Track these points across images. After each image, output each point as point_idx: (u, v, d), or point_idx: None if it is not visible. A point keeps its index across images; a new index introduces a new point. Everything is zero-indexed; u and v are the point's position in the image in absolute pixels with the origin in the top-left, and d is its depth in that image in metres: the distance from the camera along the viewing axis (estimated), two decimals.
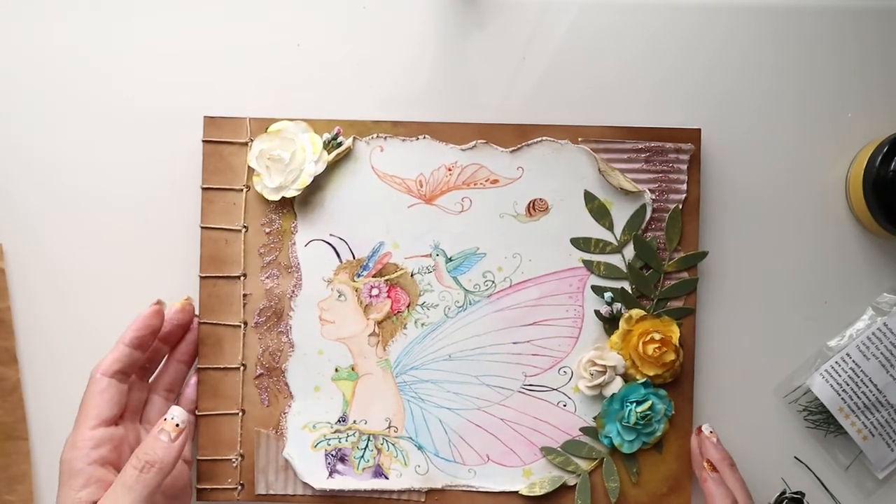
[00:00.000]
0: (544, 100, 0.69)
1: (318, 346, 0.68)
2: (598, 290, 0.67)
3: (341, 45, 0.70)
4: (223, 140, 0.67)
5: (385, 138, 0.67)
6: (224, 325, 0.68)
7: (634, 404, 0.66)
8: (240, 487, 0.68)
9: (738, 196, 0.69)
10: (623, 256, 0.68)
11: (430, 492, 0.68)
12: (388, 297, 0.68)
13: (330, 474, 0.68)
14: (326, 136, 0.67)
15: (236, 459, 0.68)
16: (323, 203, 0.67)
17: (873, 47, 0.69)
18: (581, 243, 0.68)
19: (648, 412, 0.66)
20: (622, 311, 0.67)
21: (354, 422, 0.68)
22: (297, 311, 0.68)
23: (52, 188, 0.70)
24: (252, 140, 0.67)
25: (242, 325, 0.68)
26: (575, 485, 0.68)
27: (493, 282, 0.68)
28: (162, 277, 0.69)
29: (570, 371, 0.68)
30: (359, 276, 0.68)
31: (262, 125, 0.67)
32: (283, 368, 0.68)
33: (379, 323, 0.68)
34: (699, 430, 0.67)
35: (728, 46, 0.69)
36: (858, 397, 0.67)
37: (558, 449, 0.68)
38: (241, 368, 0.68)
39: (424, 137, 0.67)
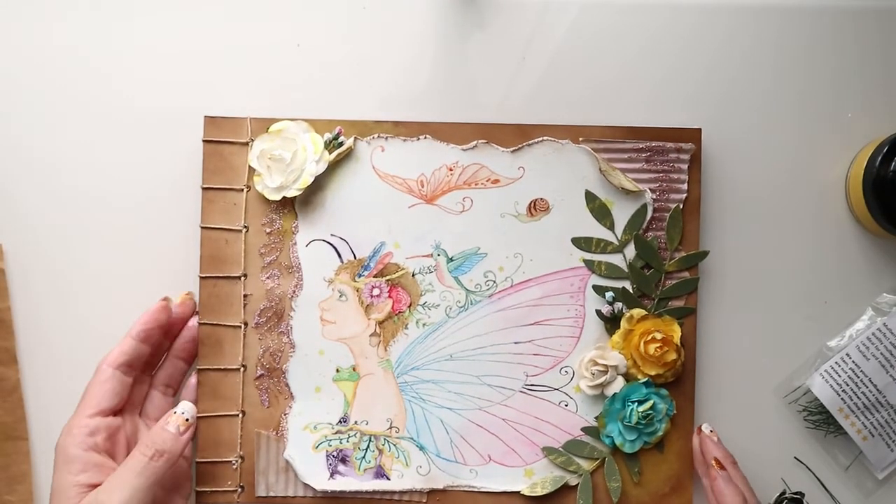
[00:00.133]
0: (544, 100, 0.69)
1: (319, 346, 0.67)
2: (599, 290, 0.67)
3: (341, 45, 0.70)
4: (224, 140, 0.67)
5: (386, 138, 0.67)
6: (224, 325, 0.67)
7: (636, 404, 0.66)
8: (240, 490, 0.67)
9: (737, 196, 0.69)
10: (624, 256, 0.68)
11: (432, 492, 0.68)
12: (390, 297, 0.68)
13: (331, 475, 0.67)
14: (327, 135, 0.66)
15: (236, 461, 0.67)
16: (324, 203, 0.67)
17: (873, 47, 0.69)
18: (582, 243, 0.68)
19: (650, 412, 0.66)
20: (623, 311, 0.67)
21: (356, 422, 0.68)
22: (298, 312, 0.67)
23: (52, 188, 0.69)
24: (253, 140, 0.67)
25: (243, 326, 0.67)
26: (577, 485, 0.68)
27: (495, 282, 0.68)
28: (162, 277, 0.68)
29: (572, 371, 0.68)
30: (360, 276, 0.68)
31: (262, 125, 0.67)
32: (283, 369, 0.67)
33: (380, 323, 0.68)
34: (699, 429, 0.67)
35: (728, 46, 0.70)
36: (858, 397, 0.67)
37: (560, 449, 0.68)
38: (242, 369, 0.67)
39: (425, 137, 0.67)
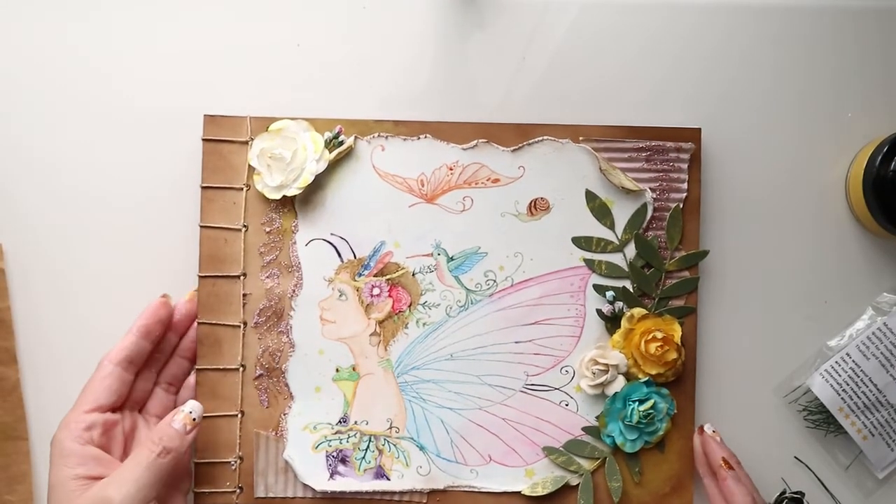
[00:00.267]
0: (544, 100, 0.69)
1: (318, 346, 0.67)
2: (599, 289, 0.67)
3: (341, 45, 0.70)
4: (223, 139, 0.67)
5: (386, 137, 0.67)
6: (223, 325, 0.67)
7: (637, 403, 0.66)
8: (238, 491, 0.67)
9: (737, 196, 0.69)
10: (624, 255, 0.68)
11: (433, 493, 0.67)
12: (390, 296, 0.67)
13: (331, 476, 0.67)
14: (328, 134, 0.66)
15: (235, 462, 0.67)
16: (324, 202, 0.67)
17: (873, 47, 0.69)
18: (582, 242, 0.68)
19: (651, 411, 0.66)
20: (624, 310, 0.67)
21: (355, 422, 0.67)
22: (298, 311, 0.67)
23: (52, 188, 0.69)
24: (252, 139, 0.66)
25: (242, 326, 0.67)
26: (577, 485, 0.68)
27: (495, 281, 0.68)
28: (162, 277, 0.68)
29: (572, 370, 0.68)
30: (360, 275, 0.67)
31: (262, 124, 0.67)
32: (283, 369, 0.67)
33: (380, 322, 0.67)
34: (701, 429, 0.67)
35: (728, 46, 0.70)
36: (858, 397, 0.67)
37: (560, 449, 0.68)
38: (241, 369, 0.67)
39: (425, 137, 0.67)
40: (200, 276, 0.67)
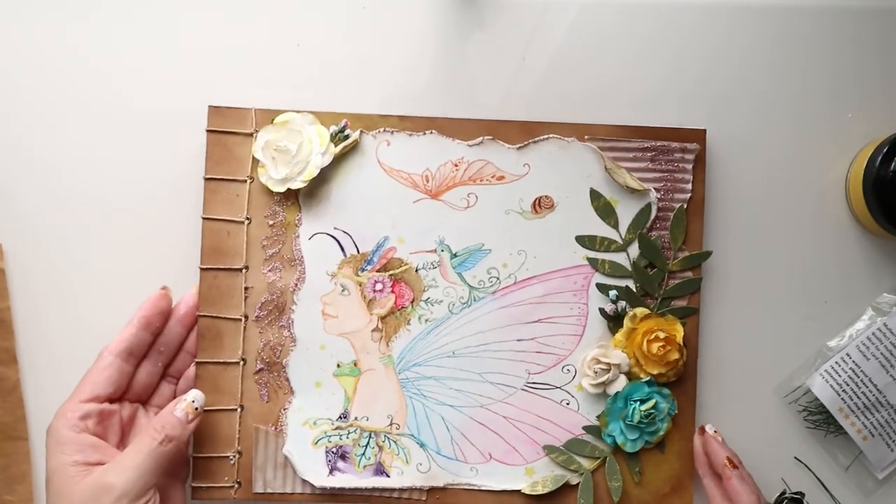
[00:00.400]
0: (544, 100, 0.69)
1: (320, 340, 0.67)
2: (602, 288, 0.67)
3: (341, 45, 0.69)
4: (228, 130, 0.66)
5: (392, 132, 0.67)
6: (224, 318, 0.66)
7: (638, 403, 0.66)
8: (237, 485, 0.66)
9: (737, 196, 0.70)
10: (628, 255, 0.68)
11: (432, 490, 0.67)
12: (392, 292, 0.67)
13: (330, 472, 0.67)
14: (333, 128, 0.66)
15: (234, 456, 0.66)
16: (328, 196, 0.67)
17: (873, 48, 0.70)
18: (586, 241, 0.68)
19: (652, 410, 0.66)
20: (627, 310, 0.67)
21: (356, 418, 0.67)
22: (300, 305, 0.67)
23: (52, 188, 0.69)
24: (257, 131, 0.66)
25: (243, 319, 0.66)
26: (577, 484, 0.67)
27: (498, 278, 0.67)
28: (162, 278, 0.67)
29: (574, 369, 0.68)
30: (363, 270, 0.67)
31: (267, 116, 0.66)
32: (283, 363, 0.67)
33: (382, 318, 0.67)
34: (702, 429, 0.67)
35: (727, 47, 0.70)
36: (858, 397, 0.68)
37: (561, 447, 0.67)
38: (241, 363, 0.66)
39: (431, 132, 0.67)
40: (202, 269, 0.66)
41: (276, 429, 0.67)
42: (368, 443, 0.67)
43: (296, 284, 0.67)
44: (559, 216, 0.67)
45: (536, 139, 0.67)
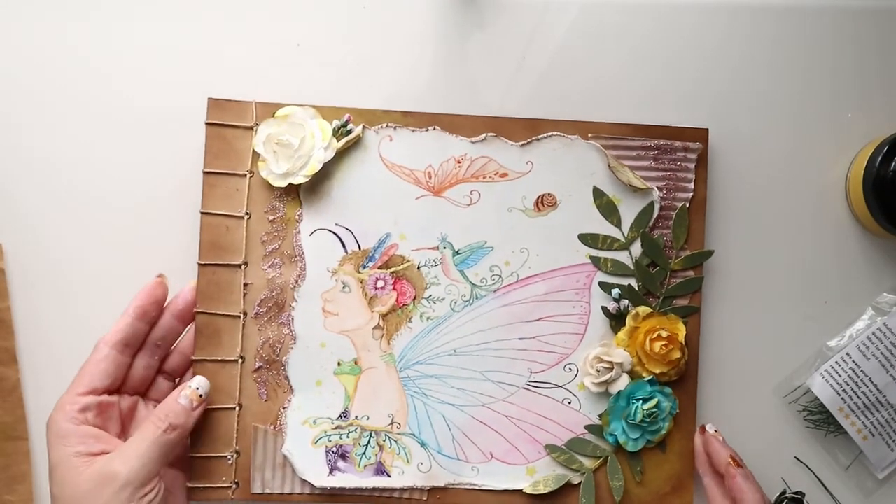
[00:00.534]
0: (544, 100, 0.69)
1: (320, 338, 0.66)
2: (605, 287, 0.67)
3: (341, 45, 0.69)
4: (227, 123, 0.65)
5: (395, 128, 0.66)
6: (223, 315, 0.65)
7: (641, 401, 0.66)
8: (234, 486, 0.65)
9: (737, 196, 0.70)
10: (630, 253, 0.67)
11: (433, 490, 0.66)
12: (394, 289, 0.66)
13: (330, 472, 0.66)
14: (336, 122, 0.65)
15: (232, 456, 0.65)
16: (329, 192, 0.66)
17: (874, 47, 0.70)
18: (589, 239, 0.67)
19: (655, 410, 0.66)
20: (629, 308, 0.67)
21: (356, 417, 0.66)
22: (300, 303, 0.66)
23: (52, 188, 0.69)
24: (258, 124, 0.65)
25: (242, 316, 0.65)
26: (579, 483, 0.67)
27: (500, 276, 0.67)
28: None
29: (576, 368, 0.67)
30: (364, 267, 0.66)
31: (268, 110, 0.65)
32: (283, 361, 0.66)
33: (384, 316, 0.66)
34: (702, 428, 0.67)
35: (727, 47, 0.70)
36: (858, 397, 0.68)
37: (563, 447, 0.67)
38: (240, 361, 0.65)
39: (434, 128, 0.66)
40: (200, 264, 0.65)
41: (275, 428, 0.65)
42: (369, 442, 0.66)
43: (296, 281, 0.66)
44: (562, 214, 0.67)
45: (540, 136, 0.67)
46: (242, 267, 0.65)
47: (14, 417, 0.67)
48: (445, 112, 0.68)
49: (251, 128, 0.65)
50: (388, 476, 0.66)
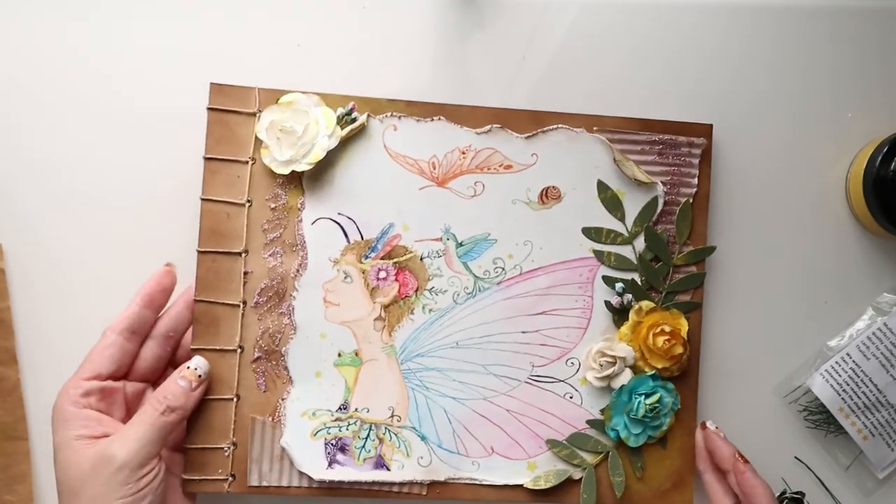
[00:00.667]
0: (544, 100, 0.69)
1: (321, 329, 0.65)
2: (608, 281, 0.67)
3: (341, 46, 0.69)
4: (230, 109, 0.64)
5: (399, 118, 0.66)
6: (222, 303, 0.64)
7: (643, 397, 0.65)
8: (231, 479, 0.64)
9: (737, 195, 0.70)
10: (634, 248, 0.67)
11: (433, 484, 0.65)
12: (396, 280, 0.66)
13: (329, 464, 0.64)
14: (340, 110, 0.64)
15: (228, 448, 0.64)
16: (332, 180, 0.65)
17: (874, 47, 0.70)
18: (592, 233, 0.67)
19: (657, 405, 0.65)
20: (632, 303, 0.67)
21: (356, 410, 0.65)
22: (301, 292, 0.65)
23: (52, 188, 0.68)
24: (261, 111, 0.64)
25: (241, 305, 0.64)
26: (580, 479, 0.66)
27: (503, 269, 0.66)
28: None
29: (578, 362, 0.67)
30: (366, 257, 0.65)
31: (271, 96, 0.64)
32: (282, 352, 0.64)
33: (385, 307, 0.65)
34: (703, 425, 0.67)
35: (727, 47, 0.70)
36: (858, 397, 0.68)
37: (564, 442, 0.66)
38: (238, 351, 0.64)
39: (439, 119, 0.66)
40: (200, 252, 0.64)
41: (273, 419, 0.64)
42: (369, 435, 0.65)
43: (297, 270, 0.65)
44: (566, 207, 0.67)
45: (545, 129, 0.66)
46: (243, 255, 0.64)
47: (14, 417, 0.67)
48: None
49: (254, 114, 0.64)
50: (388, 470, 0.65)
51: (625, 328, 0.66)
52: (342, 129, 0.64)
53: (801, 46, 0.70)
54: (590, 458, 0.66)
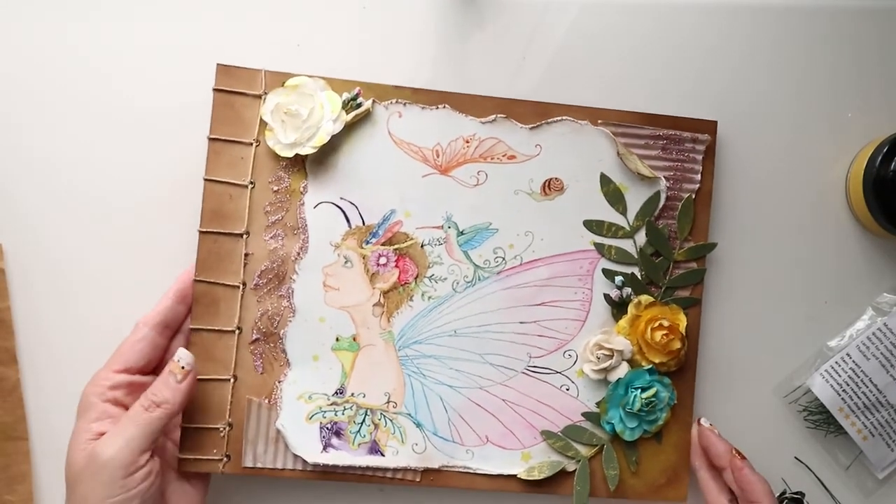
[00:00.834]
0: (544, 100, 0.68)
1: (319, 313, 0.65)
2: (608, 274, 0.67)
3: (341, 46, 0.69)
4: (236, 90, 0.65)
5: (404, 104, 0.66)
6: (221, 284, 0.64)
7: (640, 390, 0.65)
8: (225, 459, 0.64)
9: (738, 194, 0.70)
10: (634, 242, 0.67)
11: (426, 471, 0.65)
12: (396, 266, 0.66)
13: (324, 448, 0.64)
14: (346, 95, 0.65)
15: (224, 429, 0.64)
16: (336, 165, 0.65)
17: (874, 47, 0.70)
18: (594, 226, 0.67)
19: (653, 399, 0.65)
20: (631, 297, 0.66)
21: (352, 394, 0.65)
22: (301, 275, 0.65)
23: (52, 188, 0.68)
24: (266, 93, 0.65)
25: (241, 286, 0.64)
26: (574, 471, 0.66)
27: (504, 259, 0.66)
28: (162, 277, 0.65)
29: (575, 354, 0.67)
30: (367, 242, 0.66)
31: (277, 79, 0.65)
32: (281, 334, 0.64)
33: (385, 293, 0.65)
34: (698, 421, 0.66)
35: (727, 47, 0.70)
36: (858, 397, 0.67)
37: (559, 433, 0.66)
38: (237, 332, 0.64)
39: (444, 107, 0.66)
40: (201, 232, 0.64)
41: (269, 402, 0.64)
42: (364, 420, 0.65)
43: (298, 253, 0.65)
44: (568, 199, 0.67)
45: (550, 120, 0.67)
46: (244, 236, 0.65)
47: (14, 417, 0.67)
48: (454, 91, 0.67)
49: (259, 96, 0.65)
50: (382, 455, 0.65)
51: (623, 322, 0.66)
52: (347, 113, 0.65)
53: (801, 46, 0.71)
54: (584, 451, 0.66)
